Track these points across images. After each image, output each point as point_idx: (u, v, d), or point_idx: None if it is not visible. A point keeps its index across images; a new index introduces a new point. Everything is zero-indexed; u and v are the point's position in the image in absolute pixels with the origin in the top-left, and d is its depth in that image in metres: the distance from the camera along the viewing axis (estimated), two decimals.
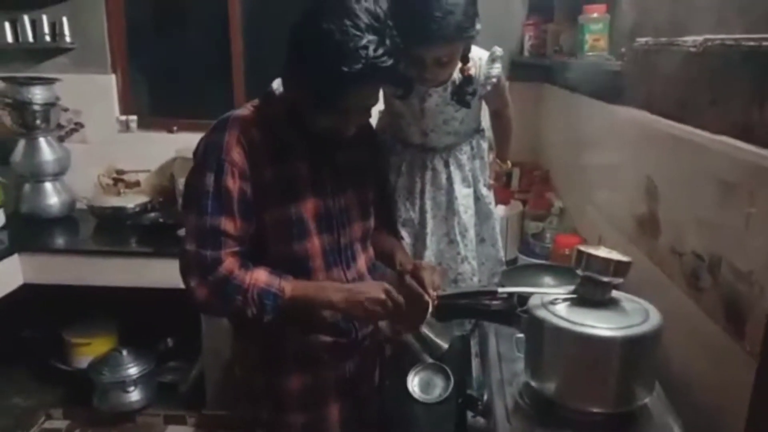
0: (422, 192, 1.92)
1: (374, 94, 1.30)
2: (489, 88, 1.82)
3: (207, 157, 1.28)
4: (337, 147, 1.39)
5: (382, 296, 1.31)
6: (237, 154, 1.27)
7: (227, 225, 1.27)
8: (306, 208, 1.35)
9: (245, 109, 1.35)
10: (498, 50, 1.83)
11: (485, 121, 2.05)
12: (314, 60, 1.20)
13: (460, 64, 1.74)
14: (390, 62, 1.20)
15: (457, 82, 1.76)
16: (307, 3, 1.24)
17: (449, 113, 1.83)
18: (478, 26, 1.63)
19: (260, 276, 1.29)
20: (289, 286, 1.30)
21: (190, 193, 1.32)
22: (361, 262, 1.49)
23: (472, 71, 1.77)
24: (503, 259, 2.06)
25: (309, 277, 1.37)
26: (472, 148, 1.96)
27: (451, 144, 1.92)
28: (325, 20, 1.17)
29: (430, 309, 1.34)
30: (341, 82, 1.19)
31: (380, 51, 1.18)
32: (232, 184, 1.26)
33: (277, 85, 1.36)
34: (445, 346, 1.44)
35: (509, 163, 2.15)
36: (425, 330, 1.40)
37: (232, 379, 1.57)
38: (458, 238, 1.90)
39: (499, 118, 2.03)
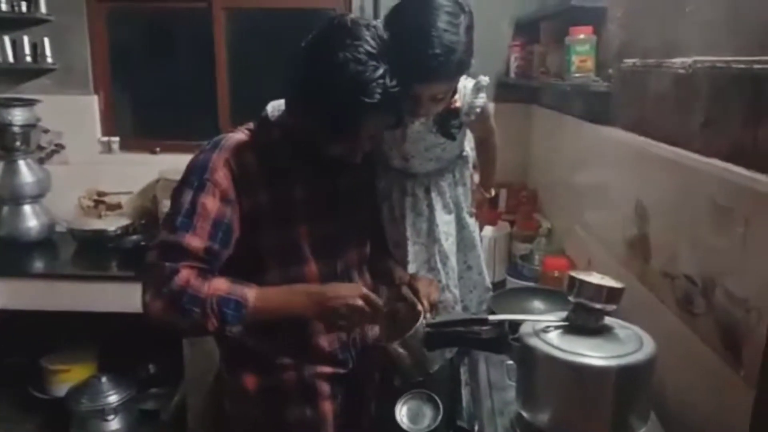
0: (402, 217, 1.89)
1: (388, 120, 1.30)
2: (472, 117, 1.80)
3: (190, 175, 1.26)
4: (339, 172, 1.38)
5: (359, 303, 1.25)
6: (222, 176, 1.25)
7: (192, 241, 1.22)
8: (302, 234, 1.33)
9: (240, 133, 1.34)
10: (483, 80, 1.81)
11: (469, 145, 2.03)
12: (331, 91, 1.18)
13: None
14: (398, 90, 1.22)
15: (442, 114, 1.72)
16: (313, 31, 1.24)
17: (431, 141, 1.80)
18: (472, 60, 1.61)
19: (220, 285, 1.23)
20: (252, 293, 1.25)
21: (169, 209, 1.29)
22: None
23: (459, 104, 1.74)
24: (490, 286, 2.03)
25: None
26: (454, 175, 1.93)
27: (432, 170, 1.89)
28: (337, 50, 1.17)
29: (421, 319, 1.30)
30: (360, 112, 1.19)
31: (394, 81, 1.20)
32: (211, 203, 1.24)
33: (271, 109, 1.35)
34: (436, 366, 1.40)
35: (492, 191, 2.12)
36: (417, 344, 1.34)
37: (217, 410, 1.52)
38: (439, 265, 1.86)
39: (484, 145, 2.00)
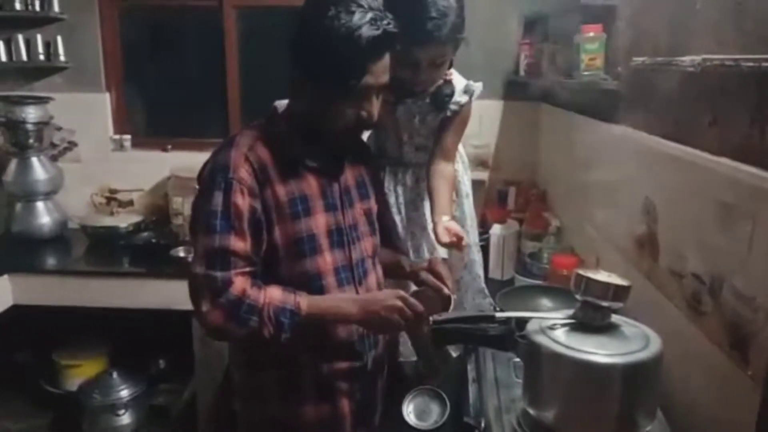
0: (396, 205, 1.96)
1: (387, 69, 1.30)
2: (449, 113, 1.85)
3: (214, 177, 1.27)
4: (344, 164, 1.41)
5: (398, 303, 1.29)
6: (245, 172, 1.26)
7: (237, 244, 1.24)
8: (317, 224, 1.34)
9: (250, 129, 1.36)
10: (475, 86, 1.85)
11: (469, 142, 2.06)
12: (327, 45, 1.21)
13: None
14: (396, 30, 1.25)
15: (436, 88, 1.84)
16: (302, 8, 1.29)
17: (415, 126, 1.90)
18: (464, 32, 1.73)
19: (274, 294, 1.27)
20: (304, 301, 1.28)
21: (197, 215, 1.29)
22: (372, 280, 1.47)
23: (452, 78, 1.85)
24: (485, 290, 2.06)
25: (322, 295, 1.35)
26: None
27: (422, 162, 1.94)
28: (329, 9, 1.21)
29: (452, 304, 1.34)
30: (359, 57, 1.22)
31: (386, 21, 1.23)
32: (242, 201, 1.25)
33: (280, 106, 1.38)
34: (455, 354, 1.40)
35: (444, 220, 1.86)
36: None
37: (227, 411, 1.52)
38: (426, 254, 1.90)
39: (444, 161, 1.89)
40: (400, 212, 1.99)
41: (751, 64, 1.07)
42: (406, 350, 1.95)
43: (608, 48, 1.88)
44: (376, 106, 1.32)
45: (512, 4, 2.88)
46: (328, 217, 1.36)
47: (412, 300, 1.31)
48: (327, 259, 1.36)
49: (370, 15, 1.21)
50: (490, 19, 2.89)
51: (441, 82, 1.84)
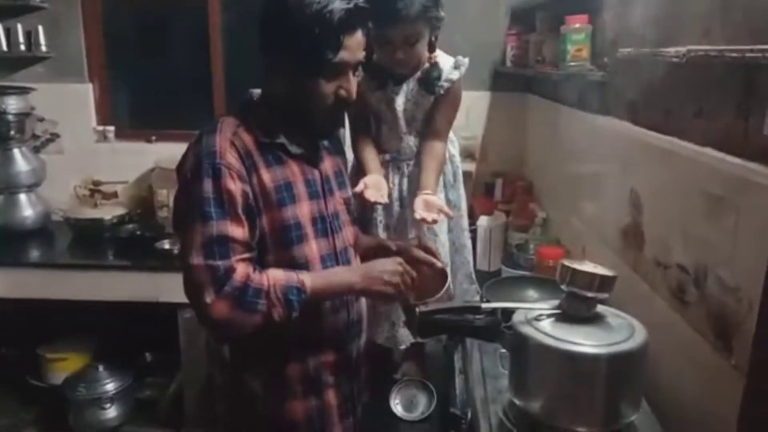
0: (400, 199, 1.99)
1: (362, 45, 1.30)
2: (442, 90, 1.92)
3: (200, 164, 1.22)
4: (319, 150, 1.40)
5: (399, 267, 1.29)
6: (232, 157, 1.23)
7: (235, 230, 1.21)
8: (303, 212, 1.32)
9: (228, 117, 1.32)
10: (463, 61, 1.93)
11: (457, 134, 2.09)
12: (304, 19, 1.20)
13: (427, 55, 1.89)
14: (366, 5, 1.26)
15: (423, 72, 1.90)
16: None
17: (410, 112, 1.95)
18: (442, 13, 1.78)
19: (277, 274, 1.23)
20: (307, 278, 1.25)
21: (187, 205, 1.23)
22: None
23: (438, 60, 1.90)
24: (473, 275, 2.08)
25: None
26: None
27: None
28: None
29: (449, 275, 1.35)
30: (335, 28, 1.21)
31: None
32: (234, 186, 1.21)
33: (255, 94, 1.36)
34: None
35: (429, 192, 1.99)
36: (446, 299, 1.37)
37: (212, 411, 1.48)
38: (429, 243, 1.93)
39: (433, 145, 1.97)
40: (403, 205, 2.02)
41: (735, 54, 1.07)
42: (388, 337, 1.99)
43: (594, 39, 1.88)
44: (353, 83, 1.31)
45: None
46: (312, 205, 1.35)
47: (407, 266, 1.31)
48: (313, 248, 1.34)
49: None
50: (477, 10, 2.88)
51: (427, 65, 1.89)
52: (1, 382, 3.00)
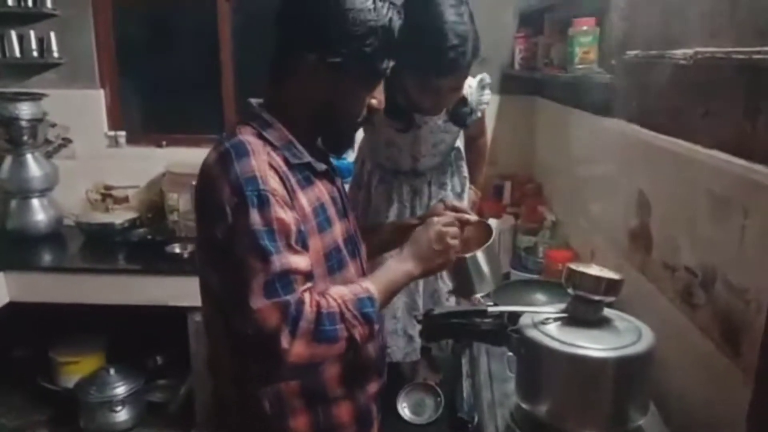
0: (412, 214, 1.98)
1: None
2: (479, 114, 1.88)
3: (241, 192, 1.04)
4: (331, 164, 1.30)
5: (440, 228, 1.21)
6: (275, 182, 1.07)
7: (296, 261, 1.05)
8: (337, 235, 1.21)
9: (249, 136, 1.14)
10: (487, 78, 1.91)
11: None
12: (374, 28, 1.12)
13: None
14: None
15: (453, 109, 1.84)
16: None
17: (440, 137, 1.92)
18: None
19: (341, 291, 1.10)
20: (369, 284, 1.14)
21: (231, 241, 1.05)
22: None
23: (465, 91, 1.84)
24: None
25: None
26: (451, 165, 2.01)
27: (436, 165, 1.96)
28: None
29: (491, 226, 1.32)
30: (394, 39, 1.15)
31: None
32: (283, 214, 1.05)
33: (258, 108, 1.21)
34: (493, 285, 1.35)
35: (479, 193, 2.22)
36: (482, 260, 1.30)
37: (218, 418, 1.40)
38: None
39: (475, 145, 2.08)
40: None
41: (742, 56, 1.07)
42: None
43: (602, 41, 1.88)
44: (382, 92, 1.24)
45: None
46: (342, 225, 1.24)
47: (444, 219, 1.23)
48: (351, 272, 1.23)
49: (388, 3, 1.15)
50: (485, 13, 2.87)
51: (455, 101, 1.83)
52: (13, 384, 3.04)
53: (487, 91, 1.94)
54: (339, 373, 1.21)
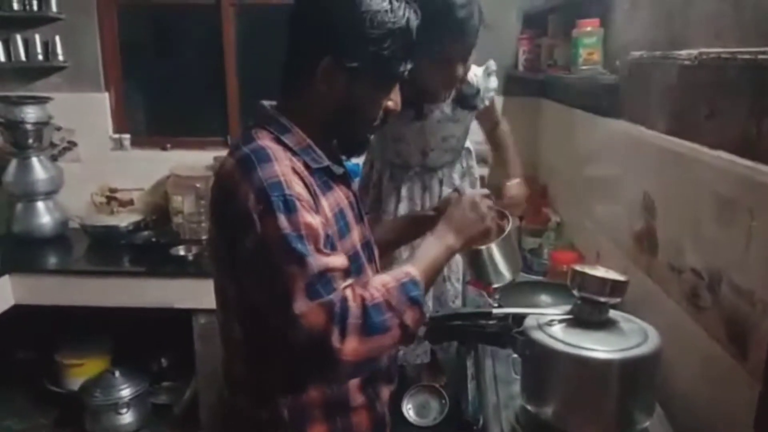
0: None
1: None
2: (487, 102, 1.86)
3: (268, 198, 1.01)
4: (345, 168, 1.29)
5: (474, 198, 1.22)
6: (299, 187, 1.05)
7: (331, 261, 1.02)
8: (356, 240, 1.20)
9: (268, 141, 1.11)
10: (492, 64, 1.89)
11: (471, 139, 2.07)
12: (392, 30, 1.09)
13: None
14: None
15: (460, 89, 1.86)
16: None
17: (449, 130, 1.90)
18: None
19: (383, 279, 1.08)
20: (411, 267, 1.11)
21: (261, 248, 1.02)
22: None
23: (471, 79, 1.87)
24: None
25: None
26: (462, 167, 2.00)
27: (447, 162, 1.94)
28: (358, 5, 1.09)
29: (511, 219, 1.33)
30: (413, 41, 1.13)
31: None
32: (310, 218, 1.03)
33: (270, 106, 1.19)
34: (509, 277, 1.34)
35: (524, 186, 2.11)
36: (497, 252, 1.30)
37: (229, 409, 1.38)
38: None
39: (495, 136, 2.06)
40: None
41: (747, 56, 1.06)
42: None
43: (606, 42, 1.87)
44: (399, 95, 1.22)
45: None
46: (359, 230, 1.22)
47: (476, 191, 1.25)
48: (369, 276, 1.19)
49: (404, 4, 1.12)
50: (490, 14, 2.86)
51: (460, 86, 1.84)
52: (19, 386, 3.05)
53: (494, 78, 1.94)
54: (361, 380, 1.19)
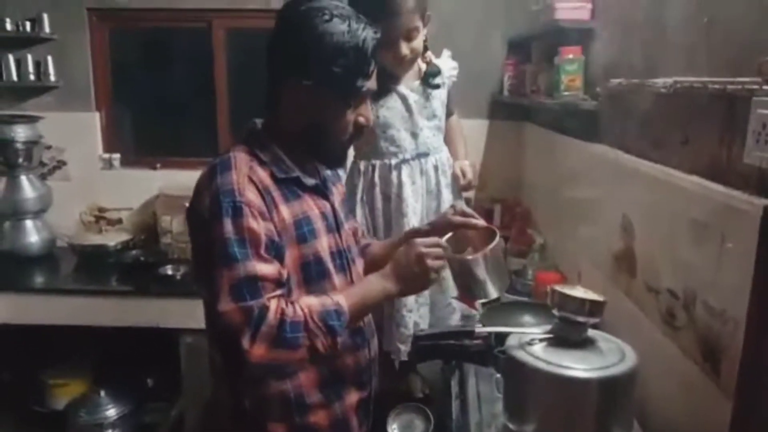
0: (414, 196, 2.09)
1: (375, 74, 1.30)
2: (453, 80, 2.18)
3: (219, 203, 1.13)
4: (326, 181, 1.38)
5: (421, 249, 1.23)
6: (252, 194, 1.16)
7: (263, 268, 1.13)
8: (323, 247, 1.27)
9: (238, 152, 1.24)
10: (447, 51, 2.20)
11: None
12: (343, 48, 1.18)
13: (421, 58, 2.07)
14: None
15: (423, 72, 2.09)
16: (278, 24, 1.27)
17: (429, 107, 2.10)
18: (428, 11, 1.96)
19: (311, 302, 1.17)
20: (341, 298, 1.19)
21: (208, 247, 1.14)
22: None
23: (434, 60, 2.12)
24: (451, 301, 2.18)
25: None
26: (448, 159, 2.19)
27: (438, 145, 2.13)
28: (324, 15, 1.19)
29: (498, 234, 1.35)
30: (369, 57, 1.22)
31: (373, 27, 1.24)
32: (256, 225, 1.14)
33: (261, 124, 1.31)
34: (495, 294, 1.36)
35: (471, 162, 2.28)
36: (482, 266, 1.31)
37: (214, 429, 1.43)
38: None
39: (448, 123, 2.25)
40: (418, 201, 2.10)
41: (717, 86, 1.11)
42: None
43: (587, 69, 1.93)
44: (370, 110, 1.32)
45: (496, 26, 2.95)
46: (329, 239, 1.30)
47: (428, 240, 1.26)
48: (335, 284, 1.28)
49: (362, 22, 1.22)
50: (475, 40, 2.95)
51: (424, 66, 2.07)
52: (3, 407, 3.00)
53: (454, 63, 2.19)
54: (315, 379, 1.27)
